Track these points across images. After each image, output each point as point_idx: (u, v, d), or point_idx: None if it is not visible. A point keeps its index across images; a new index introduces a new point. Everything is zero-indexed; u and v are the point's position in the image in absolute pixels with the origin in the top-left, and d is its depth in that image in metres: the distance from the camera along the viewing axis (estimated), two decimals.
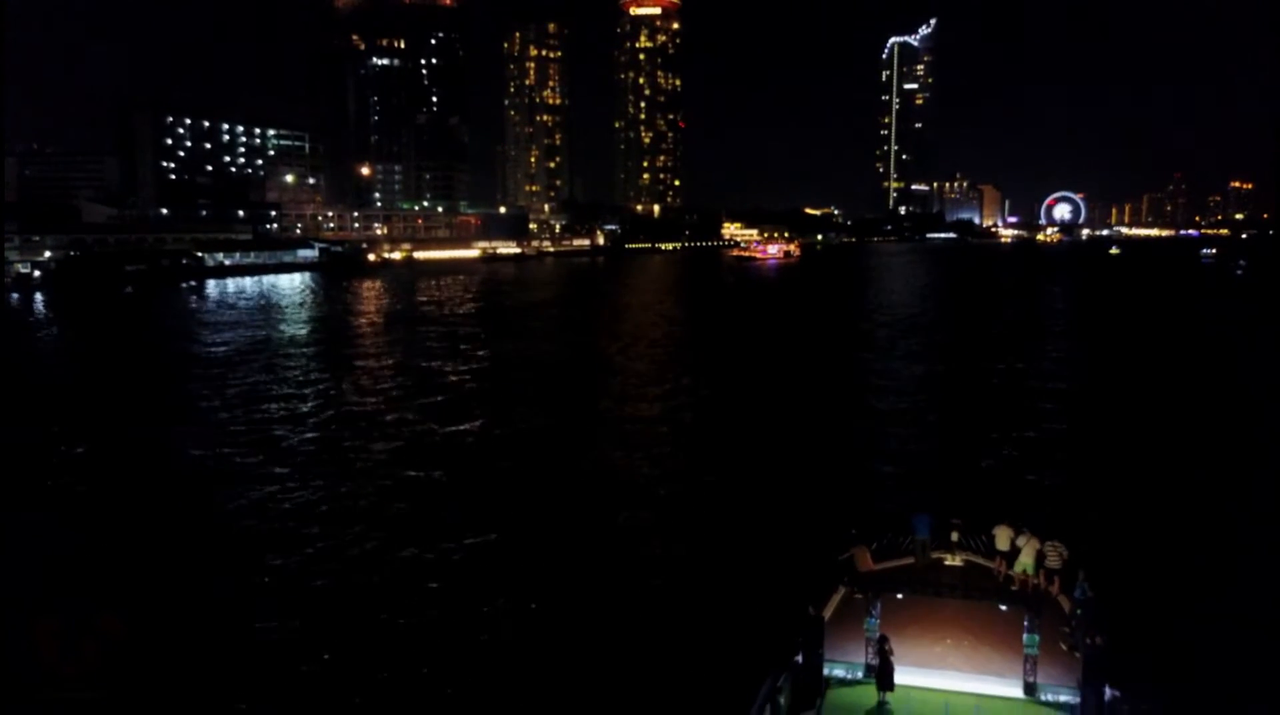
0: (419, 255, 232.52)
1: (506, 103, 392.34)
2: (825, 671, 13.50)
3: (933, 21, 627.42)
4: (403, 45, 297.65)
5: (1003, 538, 16.60)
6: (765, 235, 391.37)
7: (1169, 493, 30.93)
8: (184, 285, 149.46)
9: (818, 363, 64.54)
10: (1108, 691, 12.38)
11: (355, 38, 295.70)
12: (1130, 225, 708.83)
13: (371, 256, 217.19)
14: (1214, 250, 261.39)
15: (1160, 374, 58.87)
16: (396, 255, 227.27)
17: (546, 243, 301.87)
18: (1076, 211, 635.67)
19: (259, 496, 31.79)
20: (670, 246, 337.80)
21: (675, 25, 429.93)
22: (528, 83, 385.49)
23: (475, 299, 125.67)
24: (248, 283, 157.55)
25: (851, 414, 45.82)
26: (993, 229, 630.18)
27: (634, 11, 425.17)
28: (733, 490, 31.85)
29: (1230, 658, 17.34)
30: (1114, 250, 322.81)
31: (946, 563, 16.50)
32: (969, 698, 12.73)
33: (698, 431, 43.17)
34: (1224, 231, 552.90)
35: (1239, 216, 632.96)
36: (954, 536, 17.06)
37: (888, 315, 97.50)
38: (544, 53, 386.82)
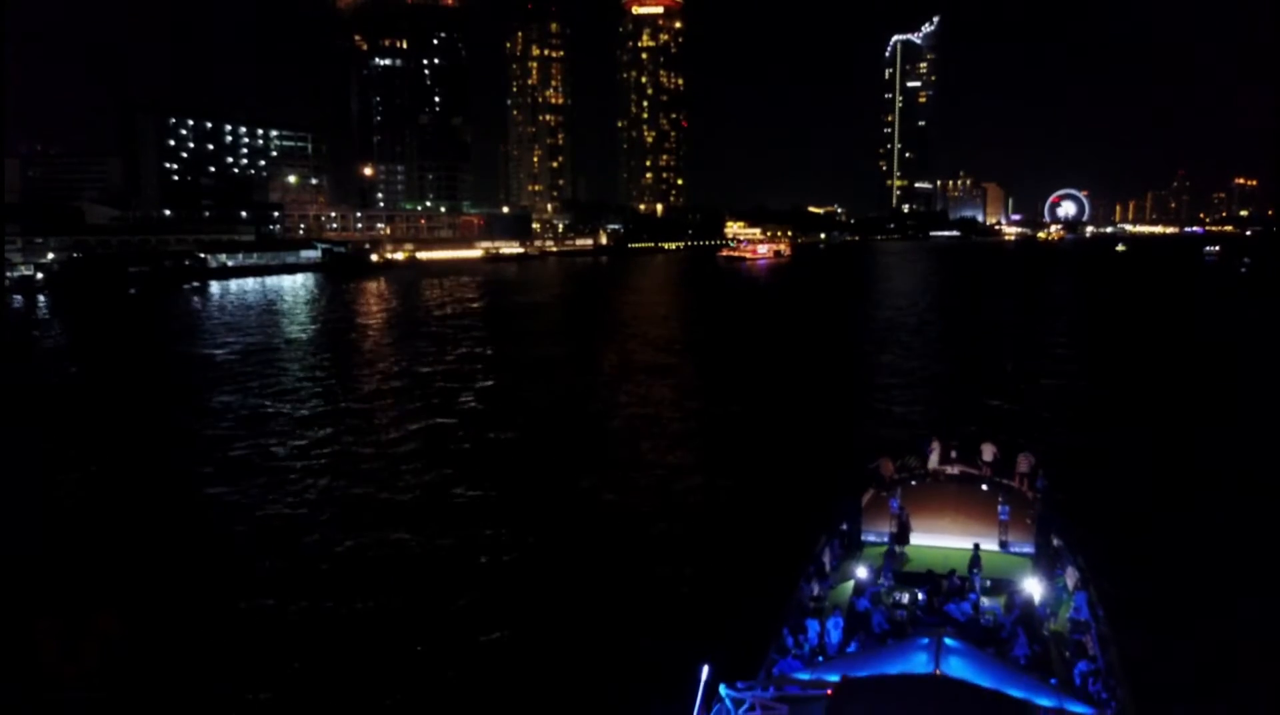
0: (422, 255, 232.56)
1: (509, 102, 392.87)
2: (861, 537, 19.41)
3: (935, 19, 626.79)
4: (405, 45, 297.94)
5: (986, 452, 22.04)
6: (768, 234, 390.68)
7: (1126, 427, 41.16)
8: (187, 287, 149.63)
9: (814, 349, 68.58)
10: (1055, 540, 18.31)
11: (358, 38, 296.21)
12: (1134, 222, 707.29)
13: (374, 257, 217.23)
14: (1217, 248, 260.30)
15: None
16: (399, 256, 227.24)
17: (549, 242, 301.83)
18: (1081, 209, 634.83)
19: (259, 497, 31.71)
20: (673, 246, 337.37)
21: (678, 24, 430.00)
22: (530, 82, 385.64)
23: (478, 299, 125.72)
24: (251, 284, 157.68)
25: (858, 386, 54.01)
26: (996, 227, 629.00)
27: (636, 11, 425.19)
28: (775, 437, 39.68)
29: (1143, 522, 26.58)
30: (1120, 247, 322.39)
31: (948, 471, 21.66)
32: (961, 551, 18.03)
33: (713, 415, 46.18)
34: (1229, 228, 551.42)
35: (1243, 213, 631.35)
36: (953, 454, 22.27)
37: (884, 311, 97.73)
38: (546, 52, 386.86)
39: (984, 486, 20.08)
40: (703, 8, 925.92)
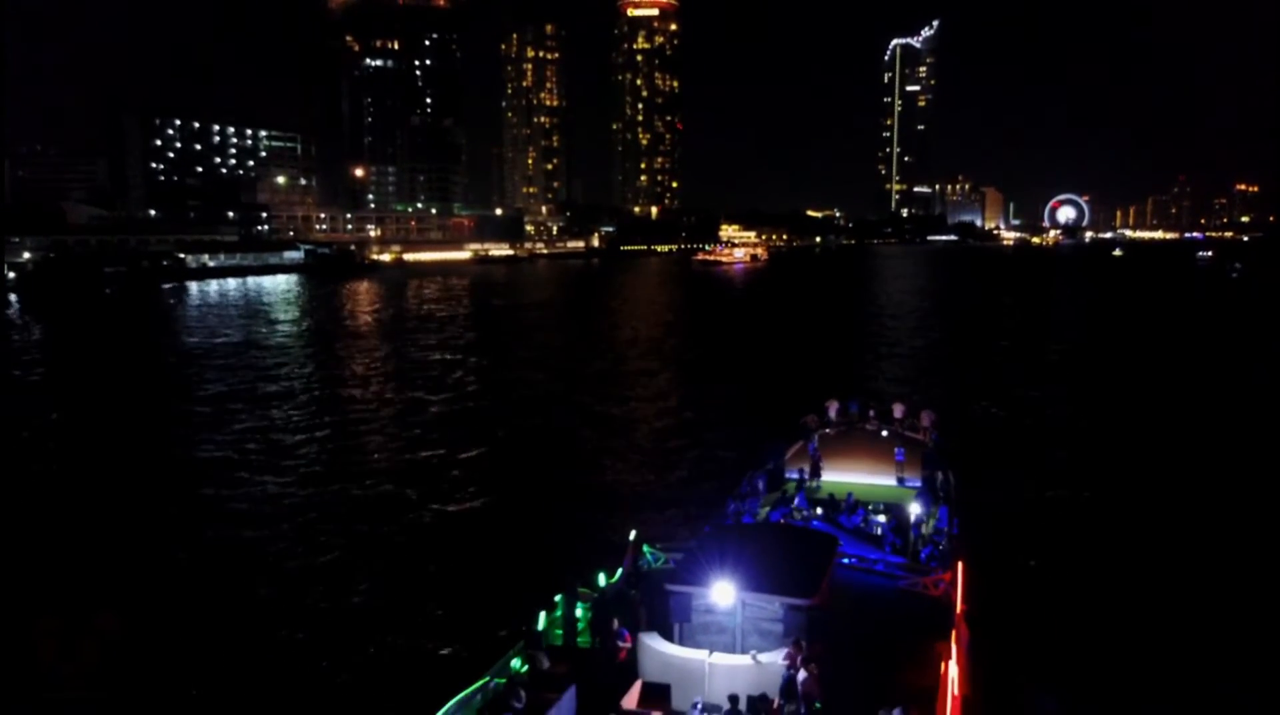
0: (409, 257, 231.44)
1: (504, 104, 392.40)
2: (785, 474, 23.46)
3: (935, 23, 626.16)
4: (397, 46, 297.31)
5: (897, 410, 26.94)
6: (763, 237, 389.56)
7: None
8: (165, 287, 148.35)
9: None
10: (939, 477, 21.82)
11: (349, 38, 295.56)
12: (1135, 228, 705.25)
13: (360, 258, 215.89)
14: (1210, 253, 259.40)
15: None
16: (386, 257, 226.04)
17: (540, 245, 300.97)
18: (1080, 214, 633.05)
19: (248, 496, 31.63)
20: (666, 248, 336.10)
21: (673, 26, 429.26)
22: (525, 84, 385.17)
23: (458, 303, 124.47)
24: (231, 285, 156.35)
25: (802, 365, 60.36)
26: (995, 231, 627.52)
27: (631, 13, 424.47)
28: (721, 407, 45.92)
29: (1011, 463, 34.53)
30: (1117, 252, 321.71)
31: (867, 427, 25.91)
32: (864, 486, 22.33)
33: (686, 399, 50.43)
34: (1229, 233, 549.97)
35: (1245, 219, 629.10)
36: (871, 412, 26.94)
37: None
38: (541, 54, 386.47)
39: (884, 434, 25.06)
40: (699, 10, 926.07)
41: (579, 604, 14.68)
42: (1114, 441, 38.93)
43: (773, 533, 16.36)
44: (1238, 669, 19.01)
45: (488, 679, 12.40)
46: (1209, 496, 30.17)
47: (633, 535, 16.57)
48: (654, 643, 13.18)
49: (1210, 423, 42.02)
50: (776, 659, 12.39)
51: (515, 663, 13.04)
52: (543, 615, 14.31)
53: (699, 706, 12.25)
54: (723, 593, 12.80)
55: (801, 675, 11.95)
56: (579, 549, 23.12)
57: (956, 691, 12.57)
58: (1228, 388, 51.62)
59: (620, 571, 15.66)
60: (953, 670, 12.71)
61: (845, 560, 15.61)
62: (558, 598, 14.56)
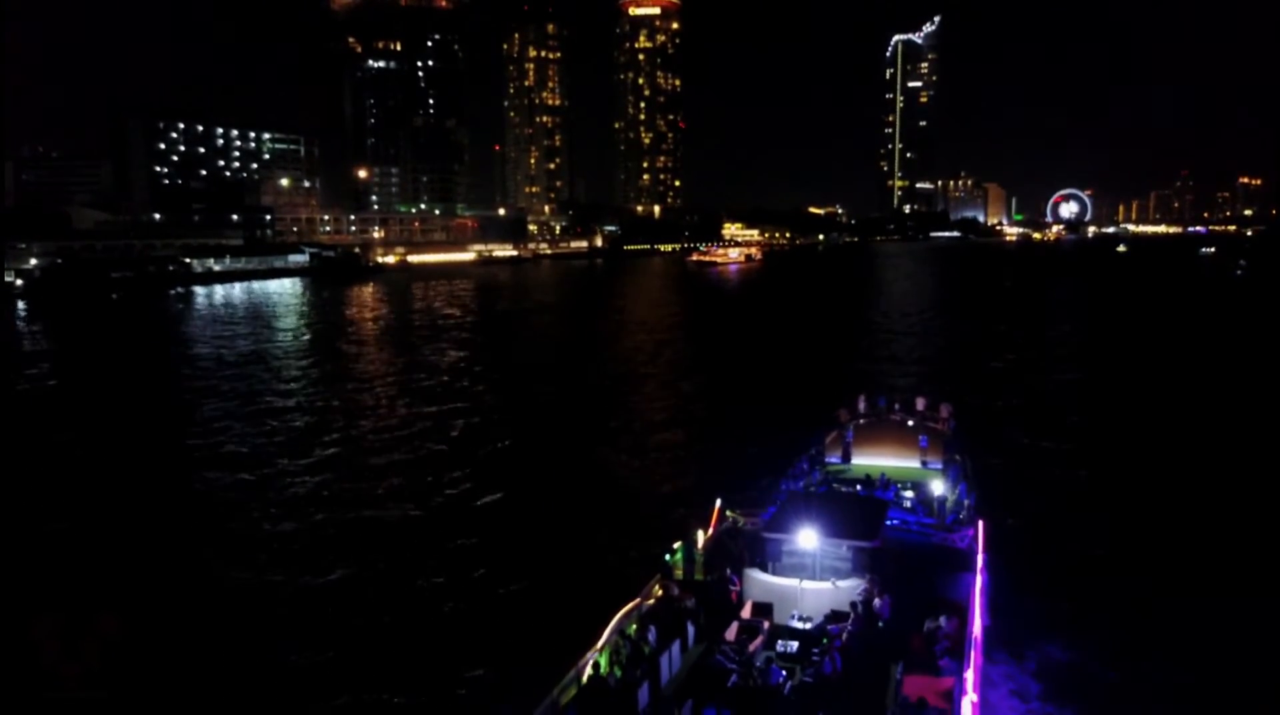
0: (413, 259, 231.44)
1: (506, 104, 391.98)
2: (826, 458, 26.97)
3: (936, 19, 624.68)
4: (399, 48, 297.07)
5: (919, 403, 29.66)
6: (766, 236, 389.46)
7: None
8: (172, 292, 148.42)
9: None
10: (957, 459, 25.56)
11: (351, 40, 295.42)
12: (1137, 222, 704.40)
13: (364, 261, 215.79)
14: (1212, 249, 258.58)
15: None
16: (390, 259, 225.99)
17: (544, 245, 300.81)
18: (1083, 208, 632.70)
19: (249, 499, 32.05)
20: (669, 247, 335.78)
21: (675, 25, 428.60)
22: (527, 84, 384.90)
23: (461, 307, 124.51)
24: (237, 289, 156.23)
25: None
26: (998, 227, 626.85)
27: (633, 12, 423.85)
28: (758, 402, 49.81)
29: (1021, 445, 39.12)
30: (1121, 248, 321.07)
31: (894, 418, 28.97)
32: (893, 468, 25.62)
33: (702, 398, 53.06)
34: (1232, 228, 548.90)
35: (1247, 213, 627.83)
36: (896, 406, 29.82)
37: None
38: (543, 54, 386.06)
39: (910, 423, 28.27)
40: (700, 8, 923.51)
41: (692, 549, 19.26)
42: (1111, 428, 43.09)
43: (840, 497, 22.08)
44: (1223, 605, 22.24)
45: (639, 600, 16.58)
46: (1203, 475, 34.02)
47: (718, 502, 20.87)
48: (756, 575, 17.98)
49: (1212, 419, 43.78)
50: (848, 585, 16.92)
51: (655, 589, 17.37)
52: (667, 556, 18.76)
53: (796, 616, 17.02)
54: (807, 538, 17.28)
55: (878, 601, 16.31)
56: (676, 513, 28.77)
57: (980, 621, 16.77)
58: (1232, 385, 52.41)
59: (711, 529, 20.17)
60: (977, 604, 16.95)
61: (889, 522, 19.31)
62: (676, 545, 19.13)
